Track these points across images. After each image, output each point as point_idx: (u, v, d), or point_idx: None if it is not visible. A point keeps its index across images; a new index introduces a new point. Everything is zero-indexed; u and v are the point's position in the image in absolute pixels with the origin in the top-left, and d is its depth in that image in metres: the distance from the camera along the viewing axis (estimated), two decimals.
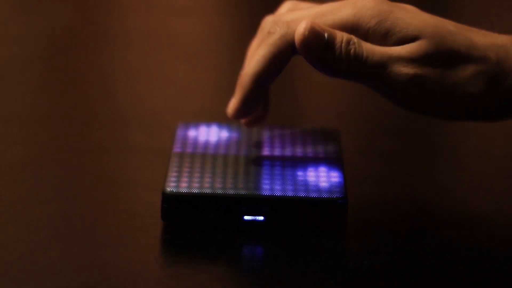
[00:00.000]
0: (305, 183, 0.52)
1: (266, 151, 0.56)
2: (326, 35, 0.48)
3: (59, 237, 0.51)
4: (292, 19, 0.49)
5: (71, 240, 0.50)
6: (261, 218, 0.51)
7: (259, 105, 0.52)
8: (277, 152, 0.56)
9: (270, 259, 0.50)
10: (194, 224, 0.51)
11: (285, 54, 0.49)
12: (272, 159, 0.55)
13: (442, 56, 0.49)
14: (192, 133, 0.58)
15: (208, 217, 0.51)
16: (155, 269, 0.49)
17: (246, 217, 0.51)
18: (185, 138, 0.57)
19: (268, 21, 0.50)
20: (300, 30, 0.47)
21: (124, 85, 0.78)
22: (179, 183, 0.51)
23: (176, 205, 0.51)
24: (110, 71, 0.82)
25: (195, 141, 0.57)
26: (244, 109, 0.51)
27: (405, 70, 0.48)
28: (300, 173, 0.53)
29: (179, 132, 0.58)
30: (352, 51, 0.48)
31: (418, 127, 0.70)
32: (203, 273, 0.48)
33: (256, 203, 0.51)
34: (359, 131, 0.70)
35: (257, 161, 0.54)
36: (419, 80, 0.48)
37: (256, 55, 0.49)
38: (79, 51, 0.85)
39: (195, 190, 0.51)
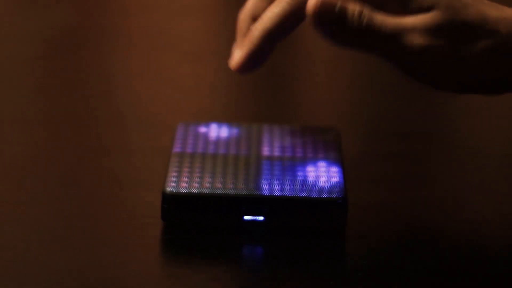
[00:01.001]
0: (305, 183, 0.52)
1: (266, 151, 0.56)
2: (337, 7, 0.48)
3: (59, 237, 0.51)
4: None
5: (71, 240, 0.50)
6: (261, 218, 0.51)
7: (264, 62, 0.51)
8: (277, 152, 0.56)
9: (270, 259, 0.50)
10: (194, 224, 0.51)
11: (298, 14, 0.49)
12: (272, 159, 0.55)
13: (456, 28, 0.49)
14: (192, 132, 0.58)
15: (208, 217, 0.51)
16: (155, 269, 0.49)
17: (246, 217, 0.51)
18: (185, 138, 0.57)
19: None
20: (311, 2, 0.48)
21: (124, 85, 0.78)
22: (179, 183, 0.51)
23: (176, 205, 0.51)
24: (110, 71, 0.82)
25: (195, 141, 0.57)
26: (249, 64, 0.50)
27: (419, 40, 0.48)
28: (299, 173, 0.53)
29: (179, 132, 0.58)
30: (364, 22, 0.48)
31: (418, 128, 0.70)
32: (203, 273, 0.48)
33: (256, 203, 0.51)
34: (359, 131, 0.70)
35: (257, 161, 0.54)
36: (432, 50, 0.48)
37: (269, 11, 0.49)
38: (78, 51, 0.85)
39: (195, 190, 0.51)
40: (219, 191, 0.51)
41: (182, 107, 0.73)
